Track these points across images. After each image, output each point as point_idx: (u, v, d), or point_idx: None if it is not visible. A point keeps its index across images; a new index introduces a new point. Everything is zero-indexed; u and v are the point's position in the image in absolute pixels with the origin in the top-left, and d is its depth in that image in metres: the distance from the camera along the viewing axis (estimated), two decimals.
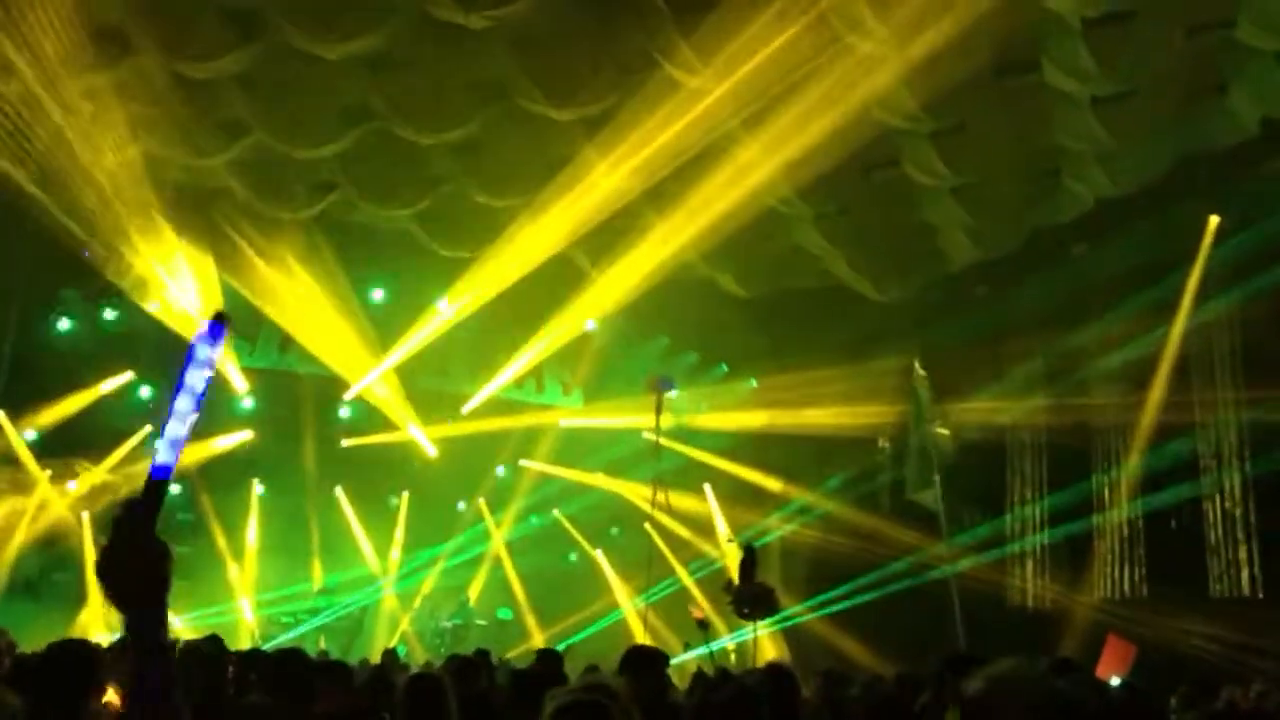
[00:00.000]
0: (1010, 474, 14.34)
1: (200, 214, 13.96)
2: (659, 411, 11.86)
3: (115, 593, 1.77)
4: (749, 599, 8.34)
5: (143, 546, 1.79)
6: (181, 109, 11.31)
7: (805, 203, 12.85)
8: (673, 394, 11.89)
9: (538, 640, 16.01)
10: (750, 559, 8.58)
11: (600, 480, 17.60)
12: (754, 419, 16.39)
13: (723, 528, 17.13)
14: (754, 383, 17.28)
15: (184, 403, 2.02)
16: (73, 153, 11.12)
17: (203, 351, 2.05)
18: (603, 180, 12.66)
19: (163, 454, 1.94)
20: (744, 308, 15.33)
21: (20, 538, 14.78)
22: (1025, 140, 11.81)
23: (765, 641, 15.17)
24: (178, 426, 1.98)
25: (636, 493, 16.37)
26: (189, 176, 12.73)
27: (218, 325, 2.01)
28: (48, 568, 15.21)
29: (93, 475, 15.12)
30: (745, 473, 16.84)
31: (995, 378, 13.69)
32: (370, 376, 16.13)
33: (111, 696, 2.24)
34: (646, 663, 5.20)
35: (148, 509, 1.84)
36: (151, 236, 13.85)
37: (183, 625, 14.99)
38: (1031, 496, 14.15)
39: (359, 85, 11.16)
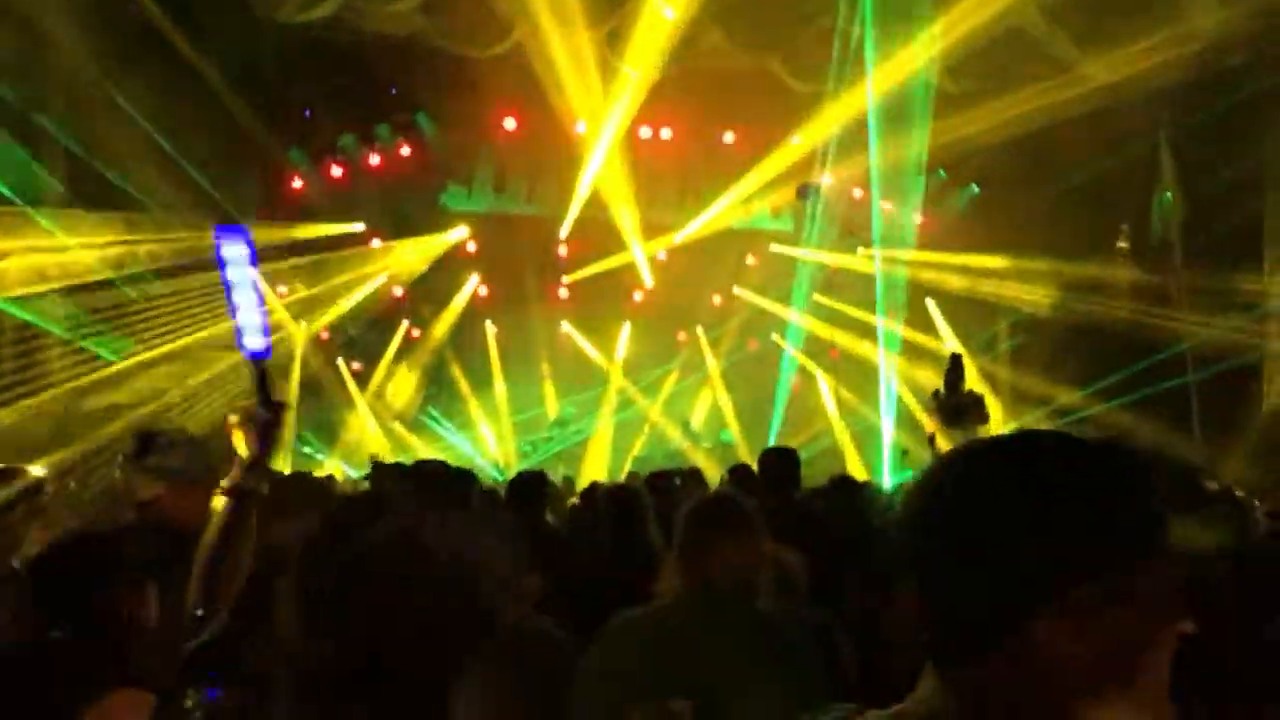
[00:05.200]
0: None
1: None
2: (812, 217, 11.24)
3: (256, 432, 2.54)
4: (956, 408, 7.91)
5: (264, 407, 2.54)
6: None
7: None
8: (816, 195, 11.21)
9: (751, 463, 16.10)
10: (957, 368, 8.12)
11: (803, 319, 17.19)
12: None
13: (950, 342, 16.53)
14: (976, 188, 16.23)
15: (244, 295, 2.62)
16: None
17: (230, 251, 2.47)
18: None
19: (254, 341, 2.38)
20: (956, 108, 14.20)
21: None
22: None
23: None
24: (251, 315, 2.38)
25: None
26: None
27: (228, 228, 2.43)
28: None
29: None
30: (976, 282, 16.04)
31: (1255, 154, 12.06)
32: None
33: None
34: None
35: (260, 383, 2.56)
36: None
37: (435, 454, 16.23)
38: None
39: None
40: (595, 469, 16.51)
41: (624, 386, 18.20)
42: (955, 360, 8.89)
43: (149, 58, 11.13)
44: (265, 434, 2.56)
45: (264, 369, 2.60)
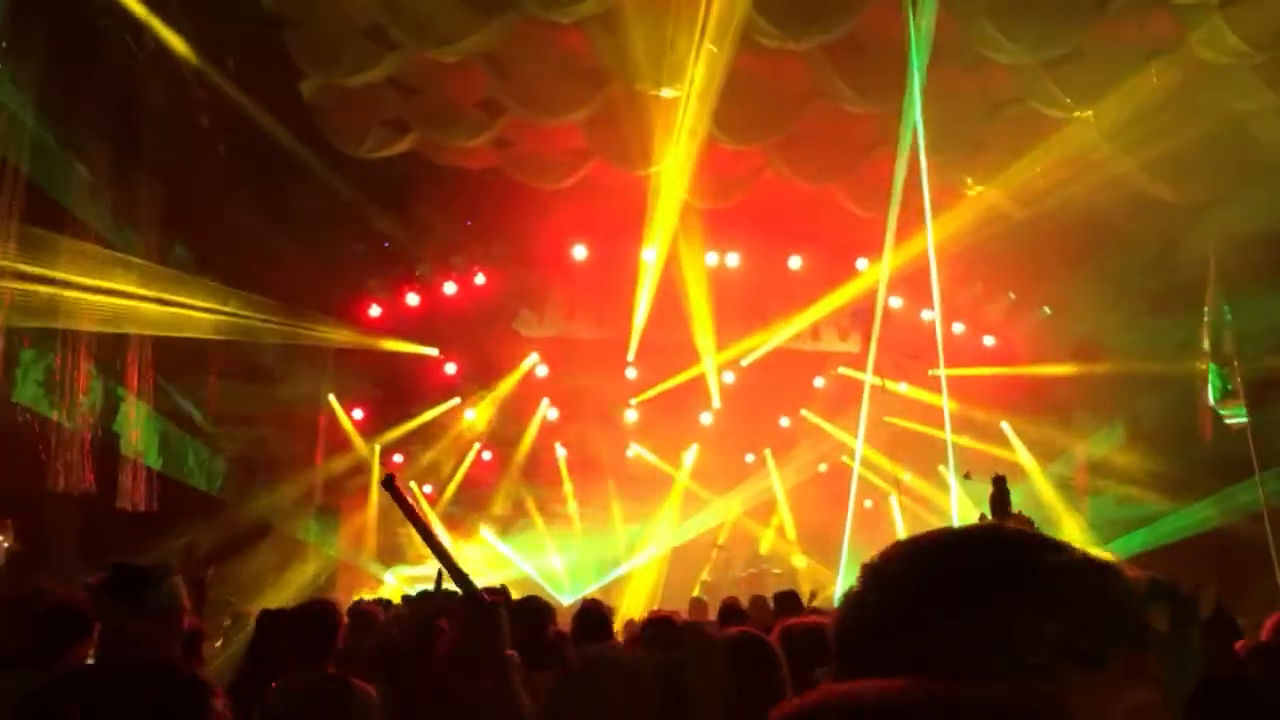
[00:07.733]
0: None
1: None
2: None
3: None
4: None
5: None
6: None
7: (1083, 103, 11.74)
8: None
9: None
10: (1002, 491, 7.94)
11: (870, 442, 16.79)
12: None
13: (1027, 458, 16.24)
14: (1048, 310, 16.10)
15: None
16: None
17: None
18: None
19: None
20: (1021, 230, 14.25)
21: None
22: None
23: None
24: None
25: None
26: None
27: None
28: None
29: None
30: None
31: None
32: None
33: None
34: None
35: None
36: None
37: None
38: None
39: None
40: (637, 599, 16.25)
41: (690, 487, 18.03)
42: (999, 483, 8.69)
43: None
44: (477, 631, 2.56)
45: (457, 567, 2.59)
